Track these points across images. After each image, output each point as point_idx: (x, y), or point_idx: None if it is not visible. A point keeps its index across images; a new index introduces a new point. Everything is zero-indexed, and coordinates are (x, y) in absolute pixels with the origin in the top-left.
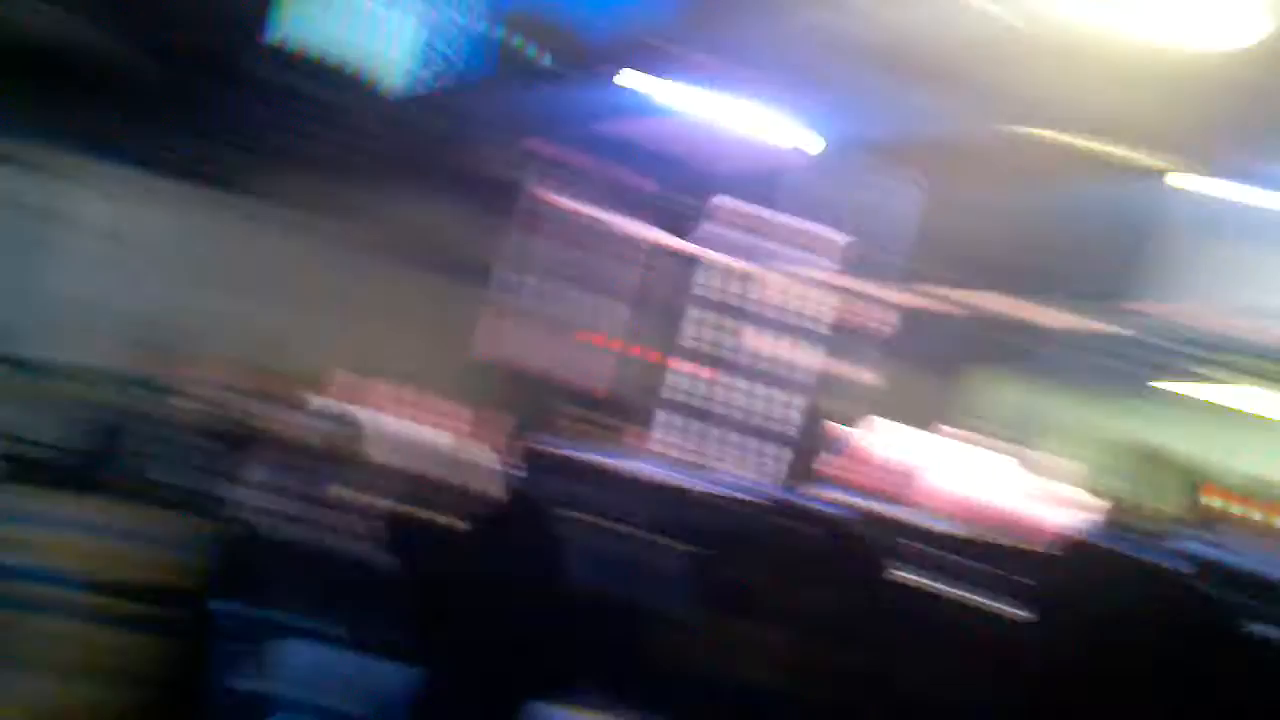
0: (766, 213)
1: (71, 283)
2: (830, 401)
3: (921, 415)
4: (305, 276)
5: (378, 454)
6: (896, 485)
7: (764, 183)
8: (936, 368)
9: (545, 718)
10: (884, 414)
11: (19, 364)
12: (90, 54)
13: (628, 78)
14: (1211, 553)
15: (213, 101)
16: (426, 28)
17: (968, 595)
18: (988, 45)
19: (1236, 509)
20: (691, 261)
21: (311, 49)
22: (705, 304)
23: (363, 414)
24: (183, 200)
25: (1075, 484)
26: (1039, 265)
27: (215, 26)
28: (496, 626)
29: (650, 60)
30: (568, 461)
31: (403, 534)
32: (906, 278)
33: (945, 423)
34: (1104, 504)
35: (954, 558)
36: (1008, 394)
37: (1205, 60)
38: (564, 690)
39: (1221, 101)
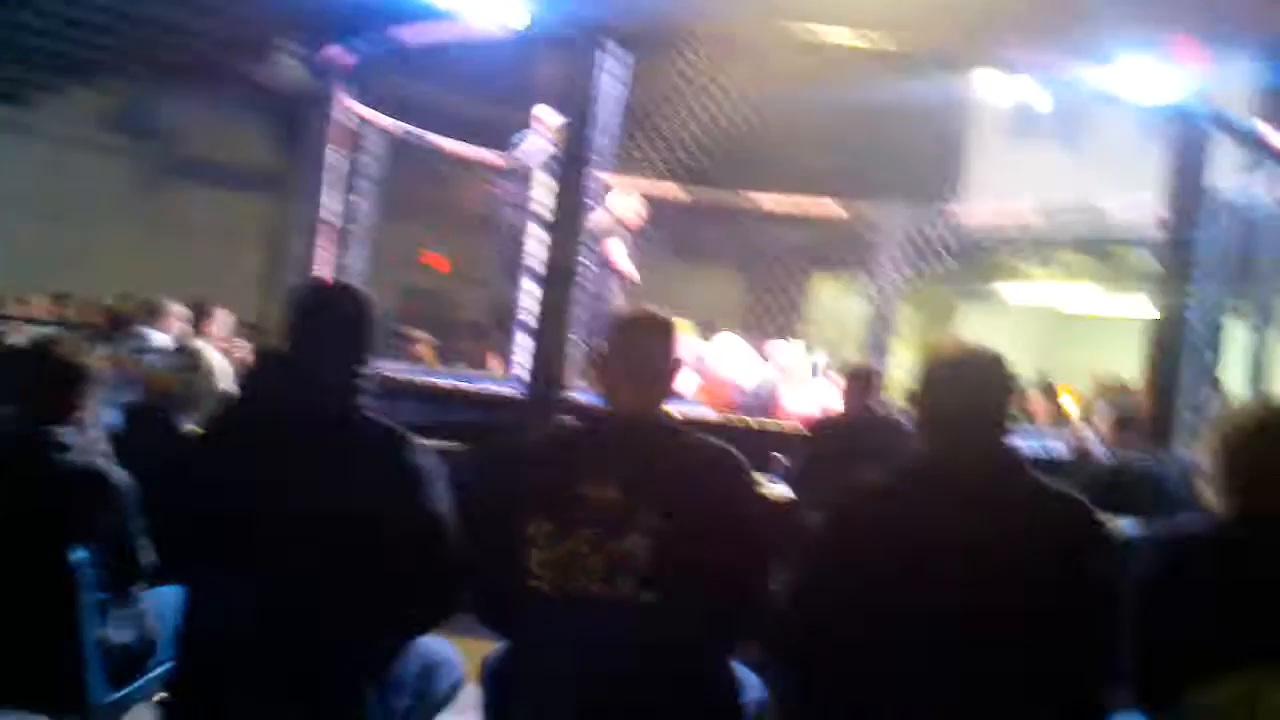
0: (543, 110)
1: None
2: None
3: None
4: (104, 197)
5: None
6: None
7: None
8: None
9: None
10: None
11: None
12: None
13: None
14: None
15: None
16: None
17: None
18: None
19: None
20: (485, 169)
21: None
22: (509, 213)
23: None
24: None
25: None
26: (836, 167)
27: None
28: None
29: None
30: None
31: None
32: (689, 177)
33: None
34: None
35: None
36: (824, 297)
37: None
38: None
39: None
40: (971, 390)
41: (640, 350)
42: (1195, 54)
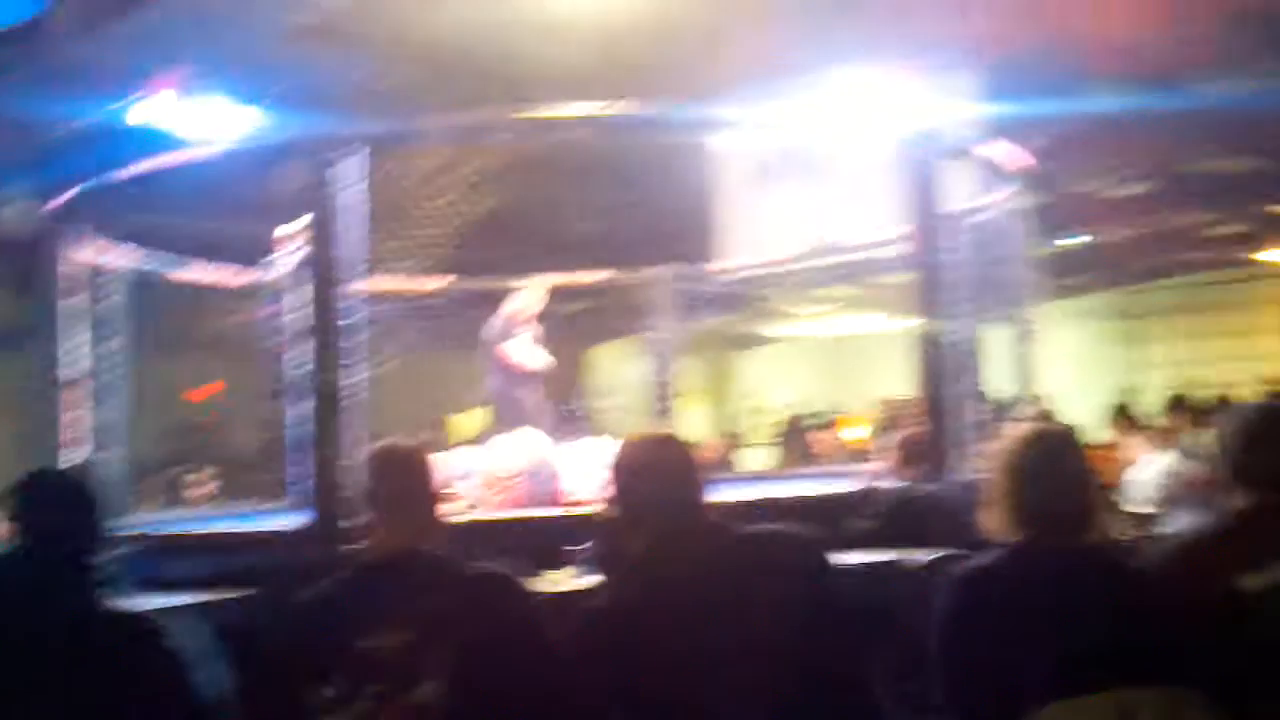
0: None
1: None
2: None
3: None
4: None
5: None
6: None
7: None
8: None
9: None
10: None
11: None
12: None
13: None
14: None
15: None
16: None
17: None
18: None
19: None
20: (237, 290)
21: None
22: (271, 334)
23: None
24: None
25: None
26: (599, 237)
27: None
28: None
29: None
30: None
31: None
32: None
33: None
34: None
35: None
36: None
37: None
38: None
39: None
40: (662, 479)
41: (393, 485)
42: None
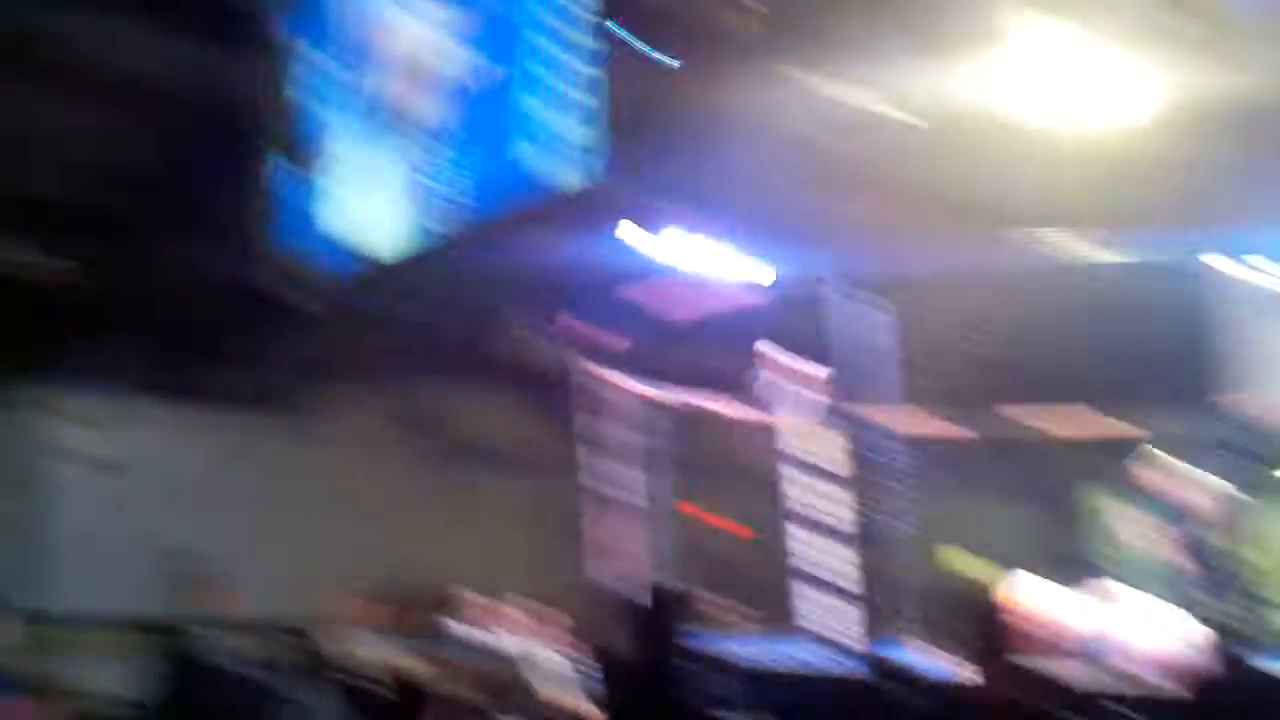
0: (788, 358)
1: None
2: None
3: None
4: (373, 491)
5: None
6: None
7: (754, 326)
8: (1023, 499)
9: None
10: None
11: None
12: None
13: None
14: None
15: (237, 327)
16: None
17: None
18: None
19: None
20: (733, 421)
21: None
22: (774, 464)
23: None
24: (221, 428)
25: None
26: (1100, 377)
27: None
28: None
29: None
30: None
31: None
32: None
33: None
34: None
35: None
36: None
37: (1114, 137)
38: None
39: (1144, 177)
40: None
41: (994, 630)
42: None
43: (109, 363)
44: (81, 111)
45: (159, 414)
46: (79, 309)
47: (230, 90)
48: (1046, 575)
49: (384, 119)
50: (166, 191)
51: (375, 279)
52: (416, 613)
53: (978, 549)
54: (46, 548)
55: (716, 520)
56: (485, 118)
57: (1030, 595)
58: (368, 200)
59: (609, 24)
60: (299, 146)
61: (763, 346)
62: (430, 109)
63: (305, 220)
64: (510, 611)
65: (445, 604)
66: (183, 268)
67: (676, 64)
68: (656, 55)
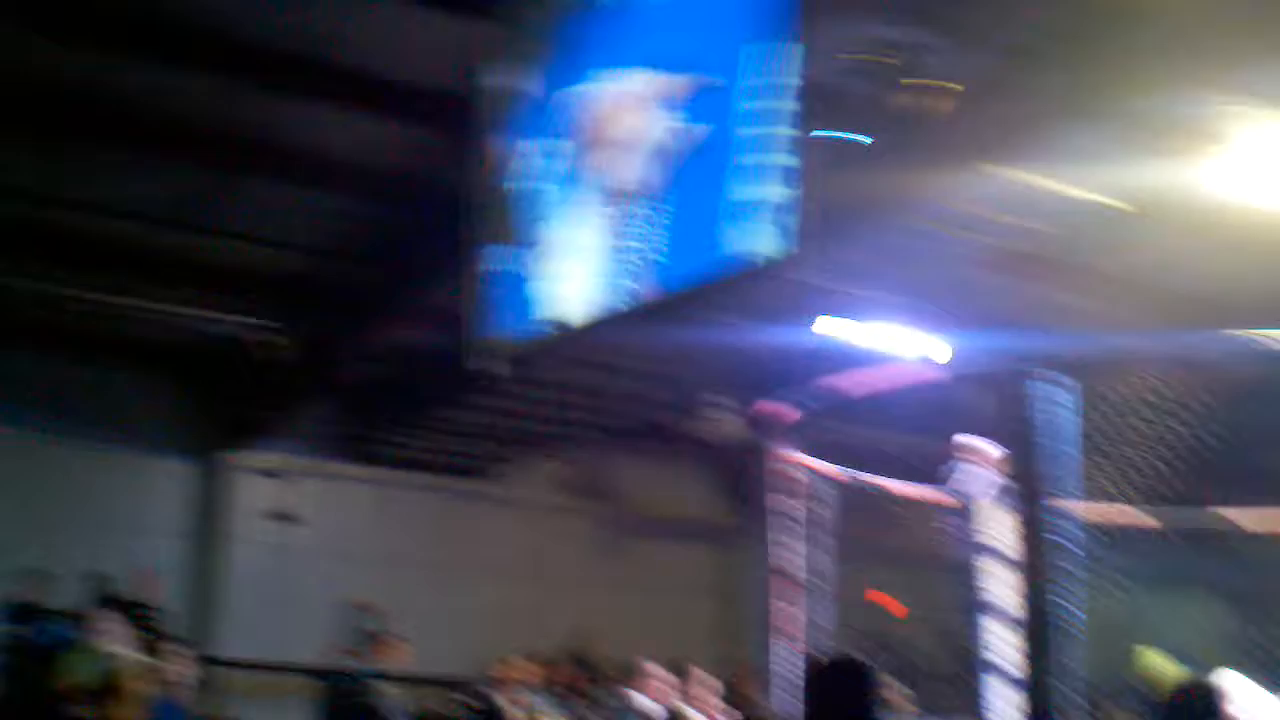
0: (979, 442)
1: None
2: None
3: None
4: (552, 556)
5: None
6: None
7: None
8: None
9: None
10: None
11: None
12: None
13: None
14: None
15: (427, 392)
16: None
17: None
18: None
19: None
20: (918, 502)
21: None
22: (958, 550)
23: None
24: (404, 489)
25: None
26: None
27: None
28: None
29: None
30: None
31: None
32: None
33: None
34: None
35: None
36: None
37: None
38: None
39: None
40: None
41: None
42: None
43: (302, 425)
44: (299, 192)
45: (345, 473)
46: (282, 374)
47: (432, 163)
48: (1243, 673)
49: (585, 185)
50: (371, 264)
51: (566, 347)
52: (587, 677)
53: (1172, 646)
54: (230, 596)
55: (892, 602)
56: (685, 187)
57: (1230, 694)
58: (563, 266)
59: (809, 107)
60: (500, 214)
61: (955, 431)
62: (630, 176)
63: (501, 287)
64: (684, 680)
65: (618, 670)
66: (379, 335)
67: (868, 142)
68: (853, 138)
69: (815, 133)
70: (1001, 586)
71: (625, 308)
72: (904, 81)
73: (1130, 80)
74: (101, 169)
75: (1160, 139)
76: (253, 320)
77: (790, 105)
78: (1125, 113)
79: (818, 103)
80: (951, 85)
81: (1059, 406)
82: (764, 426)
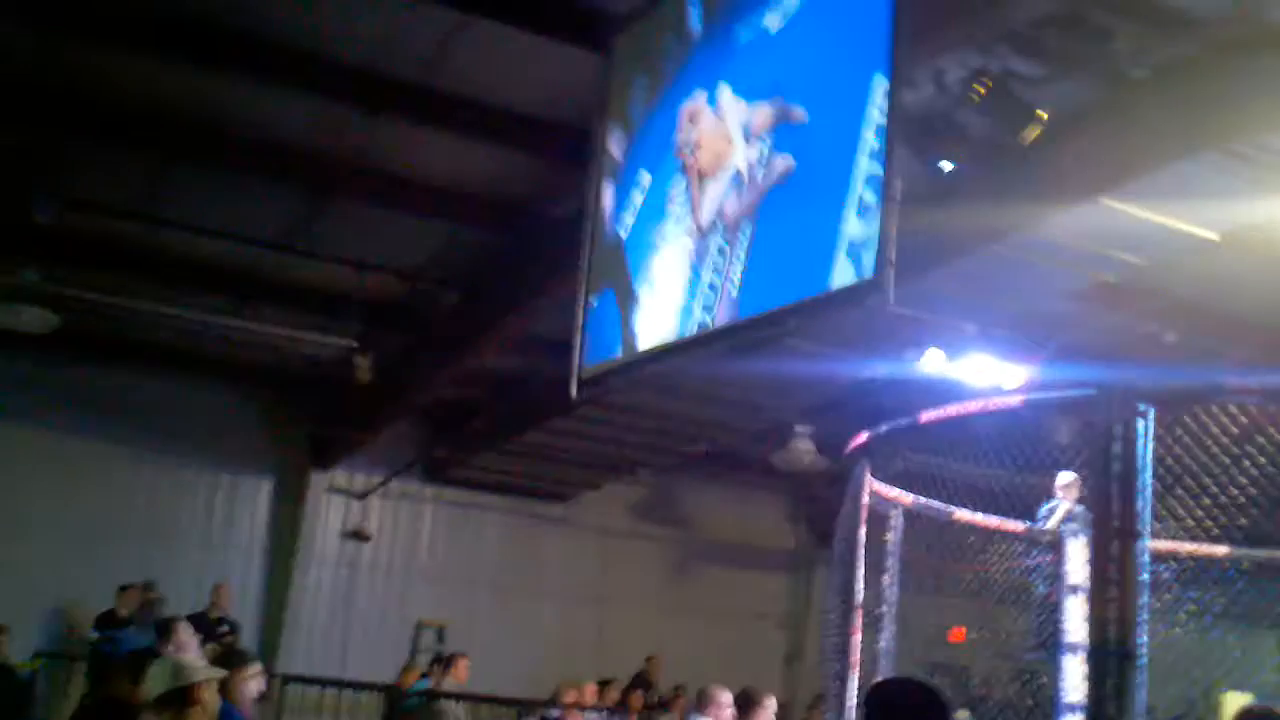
0: (1071, 477)
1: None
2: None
3: None
4: (638, 583)
5: None
6: None
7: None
8: None
9: None
10: None
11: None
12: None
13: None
14: None
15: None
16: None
17: None
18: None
19: None
20: (1009, 537)
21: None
22: (1042, 586)
23: None
24: (478, 510)
25: None
26: None
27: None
28: None
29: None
30: None
31: None
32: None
33: None
34: None
35: None
36: None
37: None
38: None
39: None
40: None
41: None
42: None
43: (382, 445)
44: (392, 215)
45: (420, 494)
46: (364, 395)
47: (528, 191)
48: None
49: (676, 217)
50: (458, 289)
51: (637, 371)
52: (653, 702)
53: (1248, 682)
54: (302, 613)
55: (961, 633)
56: (773, 219)
57: None
58: (650, 293)
59: (904, 136)
60: (600, 249)
61: (1038, 462)
62: (721, 207)
63: (588, 313)
64: (754, 708)
65: (685, 696)
66: (462, 359)
67: (952, 167)
68: (944, 166)
69: (909, 162)
70: (1079, 620)
71: (701, 334)
72: (1000, 112)
73: (1232, 114)
74: (201, 190)
75: (1259, 172)
76: (338, 341)
77: (883, 137)
78: (1225, 146)
79: (914, 132)
80: (1047, 116)
81: (1141, 438)
82: (841, 455)
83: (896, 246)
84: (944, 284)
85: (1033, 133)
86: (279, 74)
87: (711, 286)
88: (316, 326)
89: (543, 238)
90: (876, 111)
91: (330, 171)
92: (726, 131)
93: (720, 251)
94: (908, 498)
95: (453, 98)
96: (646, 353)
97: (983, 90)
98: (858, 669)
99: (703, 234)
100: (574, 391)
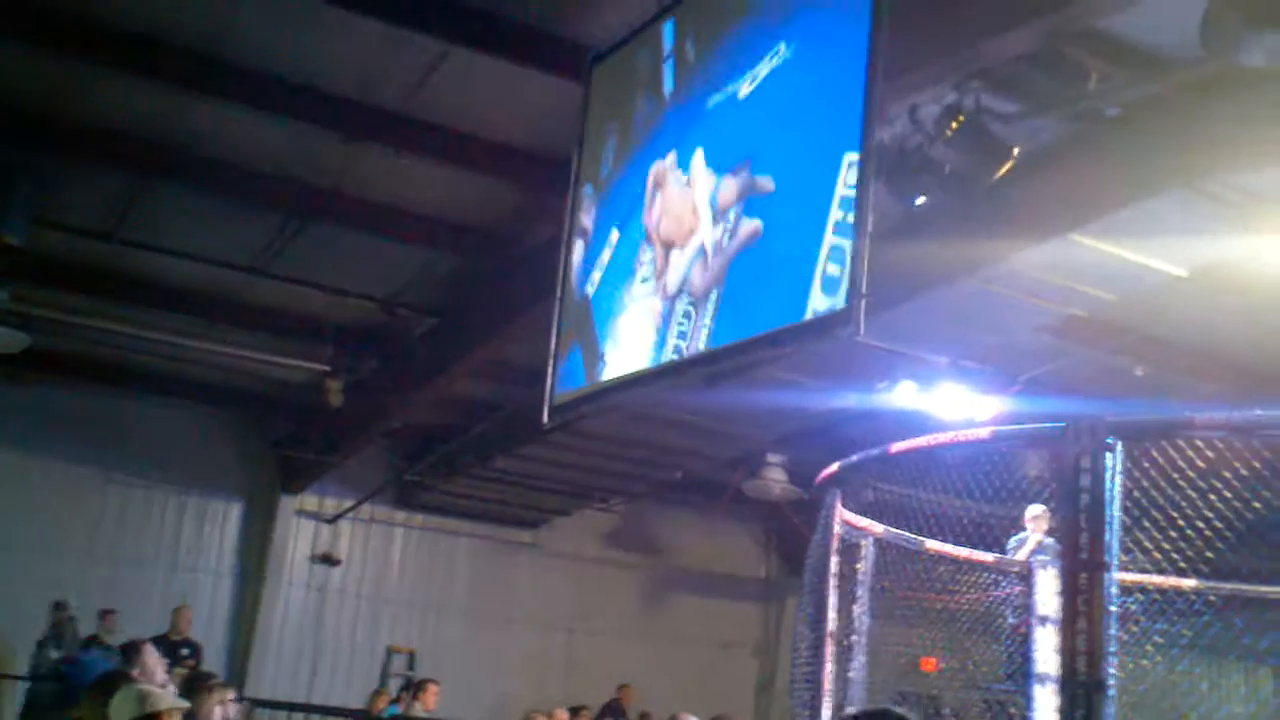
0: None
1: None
2: None
3: None
4: (608, 610)
5: None
6: None
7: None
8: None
9: None
10: None
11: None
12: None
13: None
14: None
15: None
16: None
17: None
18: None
19: None
20: (969, 564)
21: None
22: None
23: None
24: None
25: None
26: None
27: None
28: None
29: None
30: None
31: None
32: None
33: None
34: None
35: None
36: None
37: None
38: None
39: None
40: None
41: None
42: None
43: (352, 470)
44: (366, 240)
45: (390, 518)
46: (335, 419)
47: (502, 219)
48: None
49: (644, 273)
50: (432, 314)
51: (606, 401)
52: None
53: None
54: (271, 636)
55: (932, 661)
56: (745, 279)
57: None
58: (615, 350)
59: (876, 171)
60: (565, 276)
61: (1007, 494)
62: (688, 274)
63: (560, 342)
64: None
65: None
66: (434, 385)
67: (925, 201)
68: (917, 200)
69: (882, 197)
70: (1048, 650)
71: (672, 363)
72: (974, 148)
73: (1201, 153)
74: (175, 212)
75: (1227, 210)
76: (310, 365)
77: (851, 207)
78: (1194, 185)
79: (887, 166)
80: (1017, 151)
81: (1109, 471)
82: (813, 485)
83: (868, 279)
84: (916, 317)
85: (1005, 170)
86: (258, 100)
87: (681, 336)
88: (289, 350)
89: (518, 265)
90: (843, 185)
91: (307, 196)
92: (693, 203)
93: (687, 315)
94: (878, 527)
95: (432, 126)
96: (619, 379)
97: (956, 126)
98: (829, 698)
99: (669, 298)
100: (546, 418)
